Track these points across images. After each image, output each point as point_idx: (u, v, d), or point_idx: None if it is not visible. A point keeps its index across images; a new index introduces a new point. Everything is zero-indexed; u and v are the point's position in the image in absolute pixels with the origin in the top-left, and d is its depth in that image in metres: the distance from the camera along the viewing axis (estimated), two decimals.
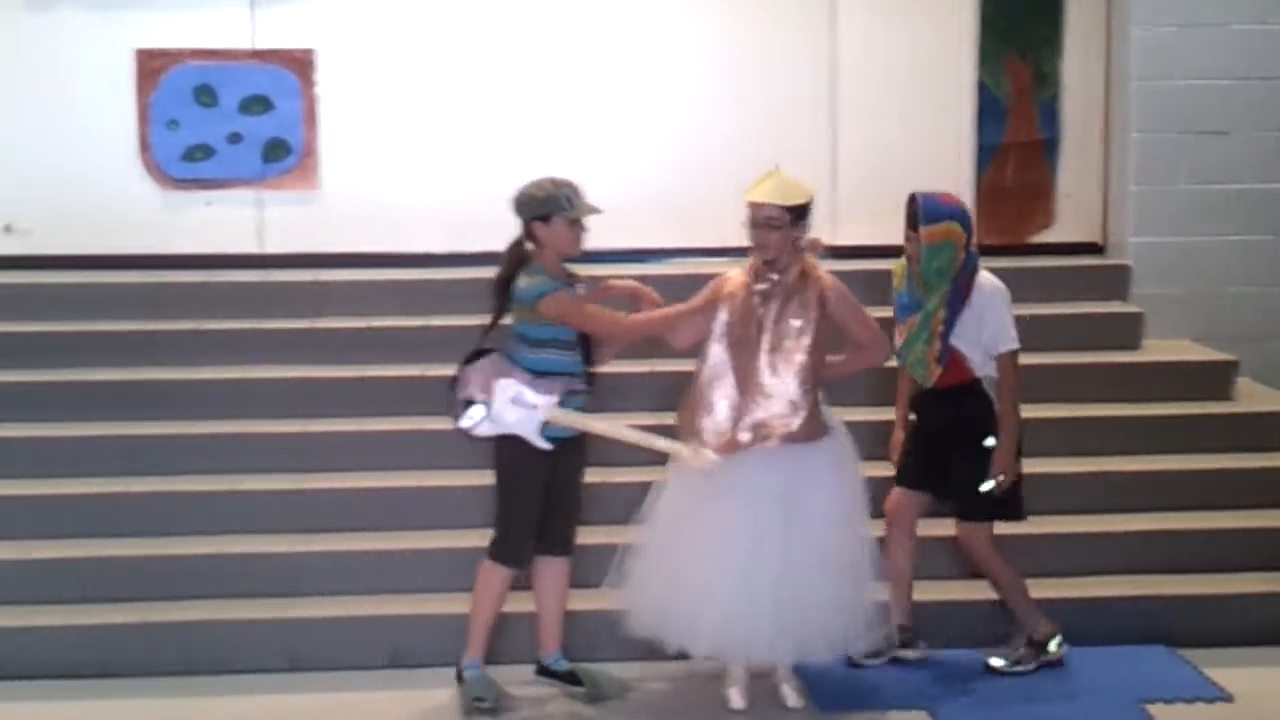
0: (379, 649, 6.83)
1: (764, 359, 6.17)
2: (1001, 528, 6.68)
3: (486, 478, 7.26)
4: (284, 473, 7.46)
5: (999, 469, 6.48)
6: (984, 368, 6.53)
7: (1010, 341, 6.55)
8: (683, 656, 6.39)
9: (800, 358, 6.17)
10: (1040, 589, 7.00)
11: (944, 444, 6.55)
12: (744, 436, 6.14)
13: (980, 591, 6.95)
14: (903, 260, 6.66)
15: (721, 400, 6.21)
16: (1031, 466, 7.48)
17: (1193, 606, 7.03)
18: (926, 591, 6.80)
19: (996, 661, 6.65)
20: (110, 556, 7.04)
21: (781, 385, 6.15)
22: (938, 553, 6.82)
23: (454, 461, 7.44)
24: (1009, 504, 6.58)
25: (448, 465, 7.45)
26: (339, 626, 6.84)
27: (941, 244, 6.45)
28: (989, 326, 6.51)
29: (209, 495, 7.33)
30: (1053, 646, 6.70)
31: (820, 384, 6.28)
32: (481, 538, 6.54)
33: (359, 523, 7.28)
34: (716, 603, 6.14)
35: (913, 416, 6.79)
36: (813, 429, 6.19)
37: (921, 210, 6.46)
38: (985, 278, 6.59)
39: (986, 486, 6.48)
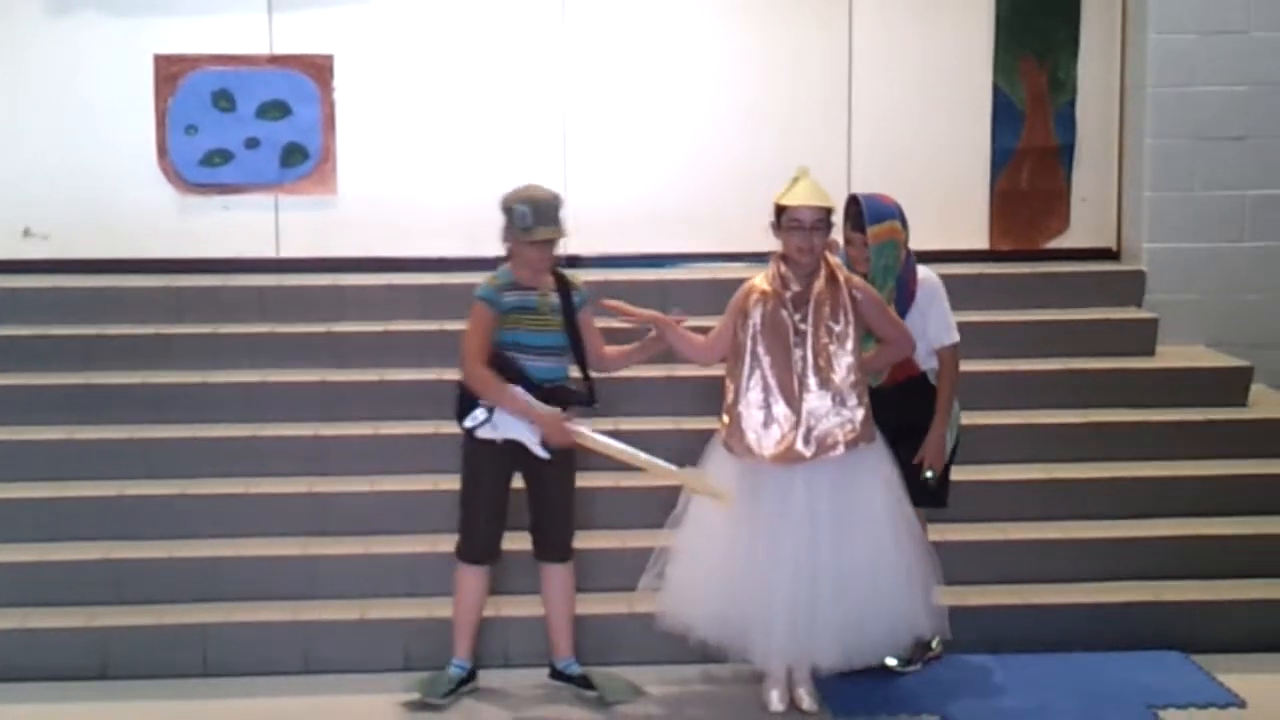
0: (394, 651, 6.85)
1: (810, 366, 6.15)
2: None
3: None
4: (300, 476, 7.50)
5: (930, 458, 6.55)
6: (927, 361, 6.61)
7: (952, 334, 6.63)
8: (709, 660, 6.41)
9: (848, 359, 6.16)
10: (1053, 594, 7.04)
11: (897, 437, 6.55)
12: (807, 450, 6.11)
13: (995, 597, 6.98)
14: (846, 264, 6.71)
15: (767, 409, 6.18)
16: (1048, 471, 7.54)
17: (1206, 612, 7.03)
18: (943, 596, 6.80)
19: (891, 661, 6.63)
20: (127, 559, 7.08)
21: (835, 392, 6.13)
22: (951, 557, 6.81)
23: None
24: (937, 494, 6.65)
25: None
26: (355, 629, 6.87)
27: (887, 242, 6.51)
28: (932, 321, 6.57)
29: (225, 498, 7.36)
30: (935, 644, 6.75)
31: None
32: (518, 541, 6.57)
33: (375, 526, 7.31)
34: (776, 609, 6.13)
35: None
36: (870, 430, 6.19)
37: (866, 211, 6.54)
38: (924, 273, 6.66)
39: (927, 474, 6.55)
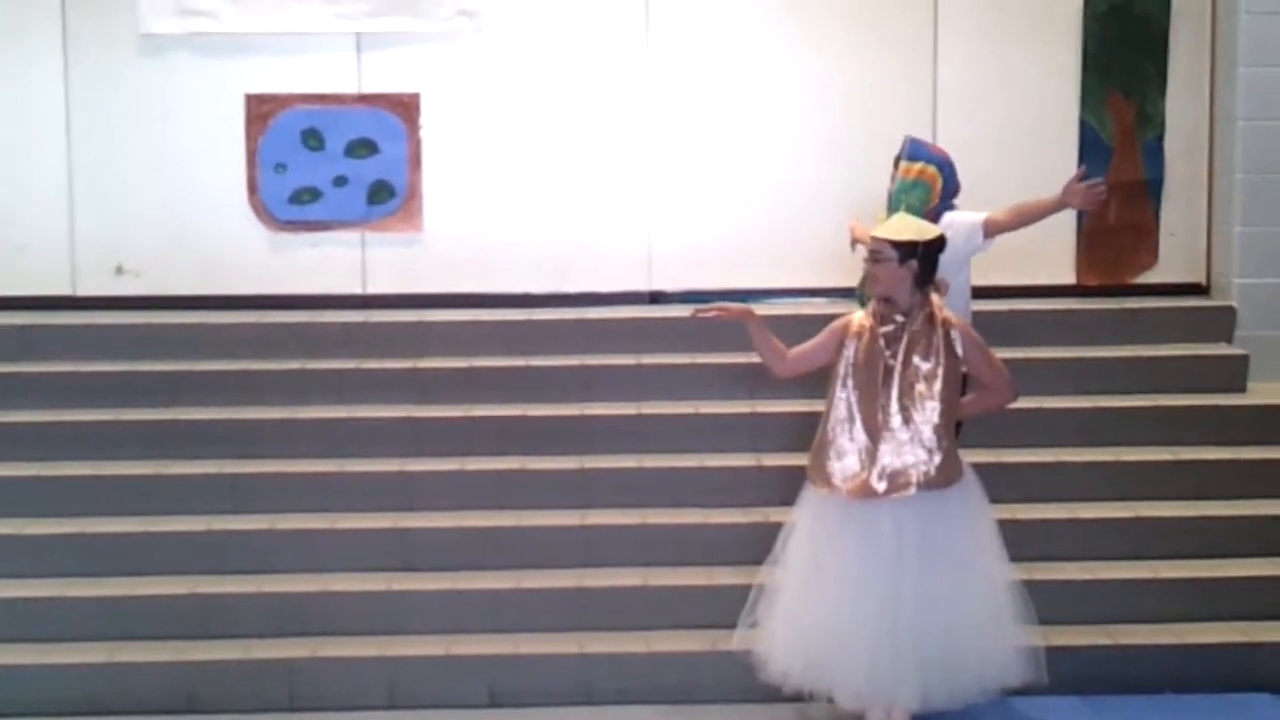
0: (478, 688, 6.86)
1: (894, 404, 6.11)
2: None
3: (588, 517, 7.36)
4: (386, 511, 7.54)
5: None
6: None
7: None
8: (799, 699, 6.38)
9: (933, 402, 6.12)
10: (1141, 634, 6.95)
11: None
12: (880, 486, 6.08)
13: (1082, 637, 6.91)
14: (884, 210, 6.87)
15: (850, 444, 6.16)
16: (1137, 510, 7.46)
17: None
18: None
19: None
20: (214, 594, 7.14)
21: (915, 430, 6.09)
22: (1038, 596, 6.72)
23: (555, 501, 7.52)
24: None
25: (548, 505, 7.52)
26: (439, 665, 6.88)
27: (915, 181, 6.74)
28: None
29: (312, 533, 7.40)
30: None
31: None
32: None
33: (460, 561, 7.32)
34: (861, 650, 6.09)
35: None
36: (950, 474, 6.12)
37: (906, 148, 6.84)
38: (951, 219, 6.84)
39: None
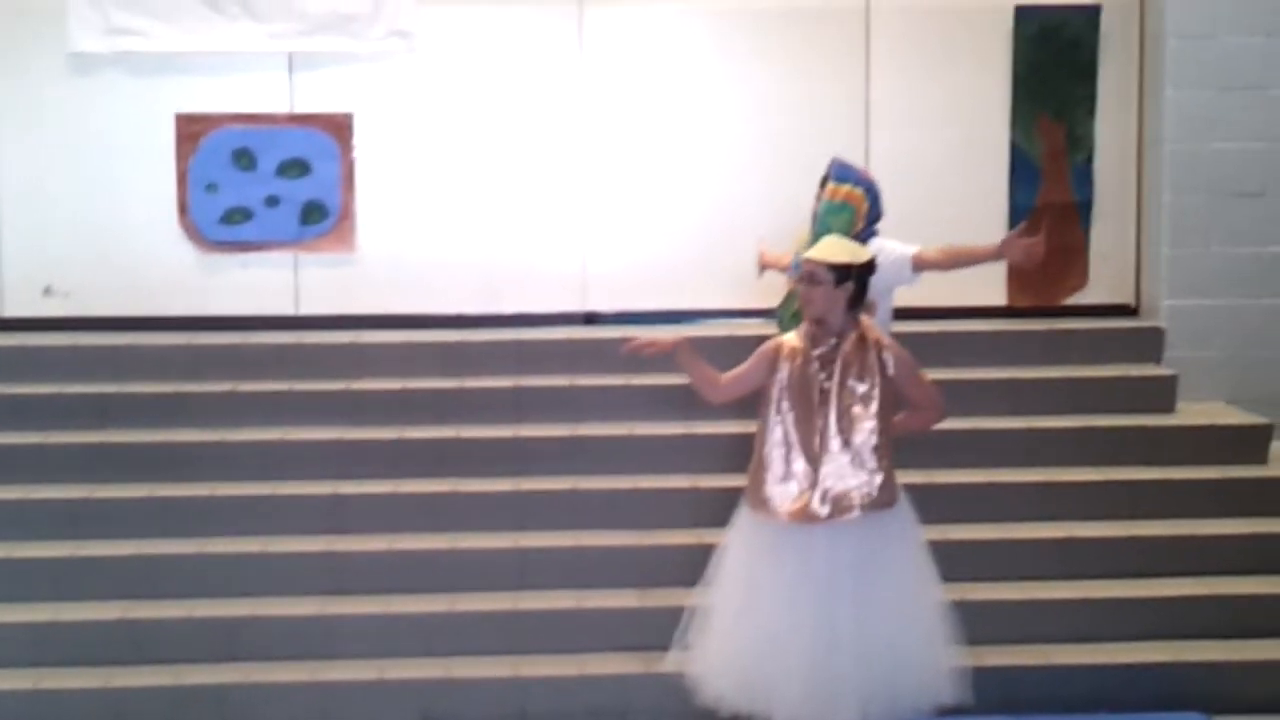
0: (411, 712, 6.82)
1: (833, 426, 6.12)
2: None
3: (521, 539, 7.35)
4: (318, 534, 7.49)
5: None
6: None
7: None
8: None
9: (870, 423, 6.12)
10: (1073, 654, 6.99)
11: None
12: (823, 510, 6.07)
13: (1014, 656, 6.95)
14: (806, 228, 6.84)
15: (788, 468, 6.15)
16: (1066, 530, 7.51)
17: (1228, 672, 6.96)
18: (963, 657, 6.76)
19: None
20: (144, 618, 7.07)
21: (855, 452, 6.10)
22: (970, 616, 6.76)
23: (489, 523, 7.50)
24: None
25: (482, 527, 7.50)
26: (372, 689, 6.84)
27: (843, 203, 6.70)
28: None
29: (243, 556, 7.35)
30: None
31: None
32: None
33: (393, 585, 7.29)
34: (795, 671, 6.08)
35: None
36: (891, 495, 6.13)
37: (833, 170, 6.77)
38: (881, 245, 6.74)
39: None
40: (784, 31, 9.01)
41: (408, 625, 7.09)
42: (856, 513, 6.06)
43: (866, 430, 6.11)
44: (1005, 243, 6.82)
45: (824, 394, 6.13)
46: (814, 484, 6.09)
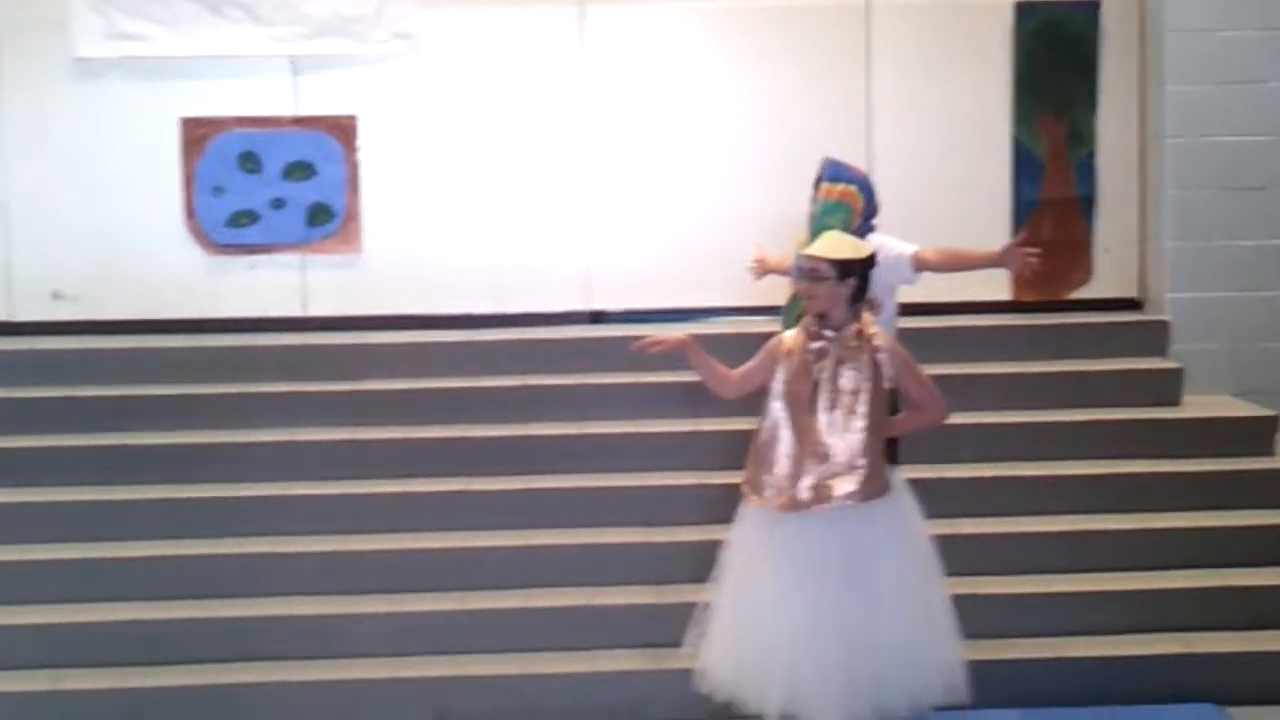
0: (425, 710, 6.85)
1: (823, 418, 6.15)
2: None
3: (531, 538, 7.37)
4: (329, 534, 7.52)
5: None
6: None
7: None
8: (746, 716, 6.40)
9: (859, 421, 6.17)
10: (1082, 647, 7.02)
11: None
12: (804, 496, 6.13)
13: (1023, 650, 6.98)
14: (804, 230, 6.79)
15: (782, 458, 6.21)
16: (1074, 523, 7.54)
17: (1237, 663, 7.00)
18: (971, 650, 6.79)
19: None
20: (158, 619, 7.10)
21: (842, 445, 6.14)
22: (978, 610, 6.79)
23: (499, 522, 7.53)
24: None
25: (492, 526, 7.53)
26: (385, 688, 6.87)
27: (838, 202, 6.69)
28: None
29: (255, 557, 7.38)
30: None
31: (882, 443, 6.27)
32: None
33: (404, 584, 7.32)
34: (785, 664, 6.11)
35: None
36: (872, 489, 6.15)
37: (826, 170, 6.76)
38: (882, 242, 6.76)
39: None
40: (785, 30, 9.04)
41: (420, 624, 7.12)
42: (833, 503, 6.08)
43: (856, 425, 6.14)
44: (1005, 251, 6.82)
45: (816, 387, 6.17)
46: (801, 474, 6.13)
